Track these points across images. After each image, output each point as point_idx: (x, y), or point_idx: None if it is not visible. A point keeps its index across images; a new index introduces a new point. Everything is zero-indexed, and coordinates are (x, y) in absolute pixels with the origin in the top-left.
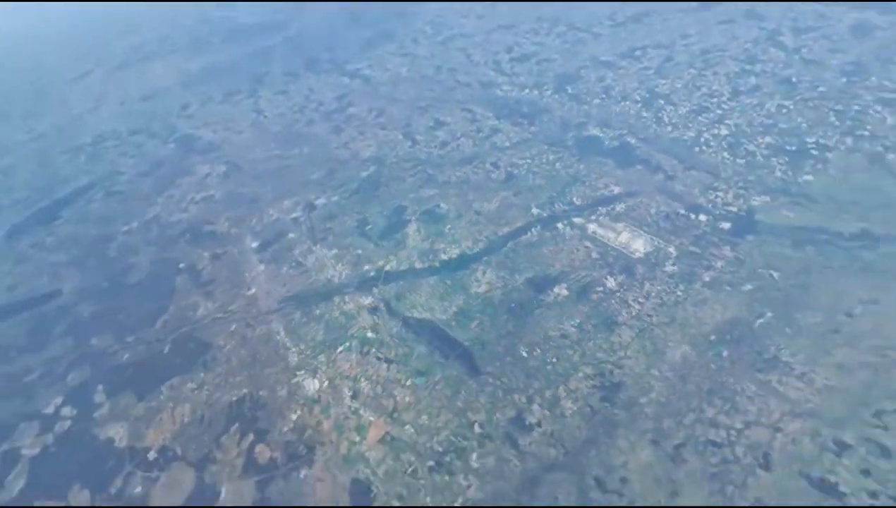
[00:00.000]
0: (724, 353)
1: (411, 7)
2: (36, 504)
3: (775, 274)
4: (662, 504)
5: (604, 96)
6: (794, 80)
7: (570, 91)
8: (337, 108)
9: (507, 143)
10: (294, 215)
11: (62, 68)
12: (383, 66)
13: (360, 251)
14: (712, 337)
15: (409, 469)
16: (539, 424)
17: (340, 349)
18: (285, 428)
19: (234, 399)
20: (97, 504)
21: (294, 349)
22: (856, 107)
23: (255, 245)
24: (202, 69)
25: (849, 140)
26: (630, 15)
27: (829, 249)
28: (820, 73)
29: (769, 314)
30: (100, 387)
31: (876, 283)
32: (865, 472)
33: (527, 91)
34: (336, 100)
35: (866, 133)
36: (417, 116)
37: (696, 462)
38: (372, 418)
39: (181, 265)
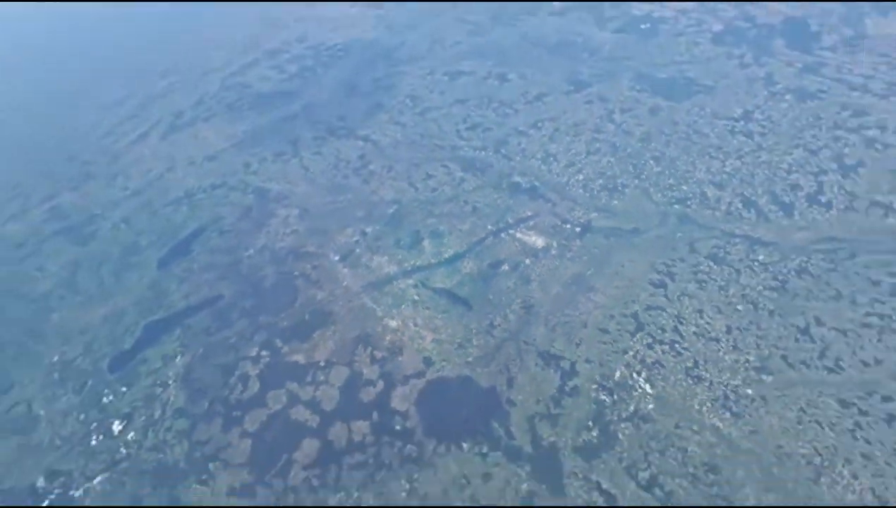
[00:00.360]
0: (574, 288)
1: (393, 80)
2: (270, 396)
3: (597, 251)
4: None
5: (521, 156)
6: (616, 144)
7: (502, 152)
8: (360, 166)
9: (471, 188)
10: (355, 239)
11: (117, 131)
12: (384, 132)
13: (399, 257)
14: (569, 282)
15: (448, 350)
16: (500, 325)
17: (403, 306)
18: (385, 344)
19: (355, 335)
20: (296, 394)
21: (378, 309)
22: (642, 162)
23: (336, 258)
24: (246, 133)
25: (636, 181)
26: (535, 95)
27: (620, 238)
28: (629, 140)
29: (593, 270)
30: (277, 339)
31: (636, 253)
32: (621, 325)
33: (478, 152)
34: (358, 159)
35: (644, 177)
36: (414, 171)
37: (560, 330)
38: (426, 333)
39: (296, 273)
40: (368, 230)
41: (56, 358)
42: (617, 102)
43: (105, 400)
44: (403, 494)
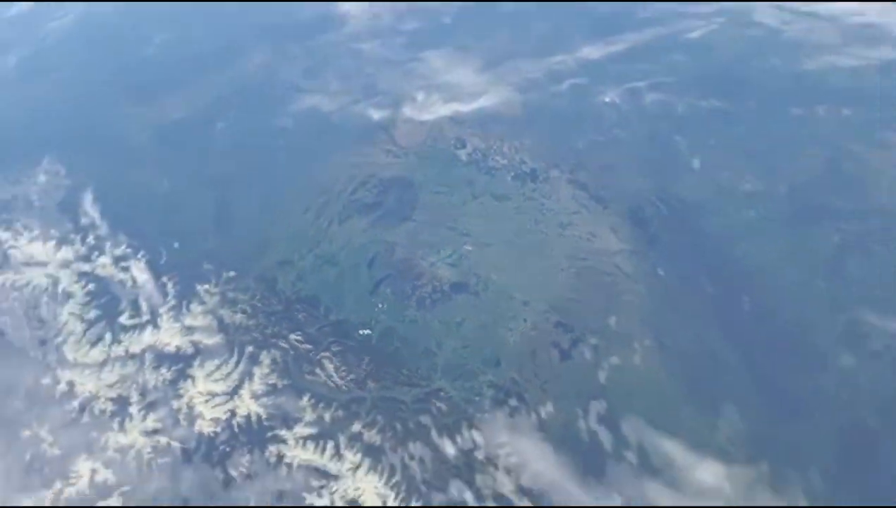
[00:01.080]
0: (483, 263)
1: (417, 197)
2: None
3: (487, 251)
4: None
5: (464, 225)
6: (490, 217)
7: (457, 223)
8: (417, 233)
9: (454, 237)
10: (424, 254)
11: (314, 225)
12: (420, 218)
13: (438, 259)
14: (479, 260)
15: (455, 277)
16: (467, 272)
17: (441, 270)
18: (443, 279)
19: (433, 276)
20: (423, 292)
21: (441, 264)
22: (498, 222)
23: (423, 261)
24: (372, 221)
25: (498, 227)
26: (463, 201)
27: (493, 247)
28: (495, 214)
29: (487, 256)
30: (413, 281)
31: (497, 253)
32: (491, 264)
33: (451, 224)
34: (415, 229)
35: (499, 226)
36: (436, 232)
37: (480, 270)
38: (449, 275)
39: (413, 265)
40: (428, 251)
41: (352, 296)
42: (489, 204)
43: (376, 308)
44: (455, 304)
